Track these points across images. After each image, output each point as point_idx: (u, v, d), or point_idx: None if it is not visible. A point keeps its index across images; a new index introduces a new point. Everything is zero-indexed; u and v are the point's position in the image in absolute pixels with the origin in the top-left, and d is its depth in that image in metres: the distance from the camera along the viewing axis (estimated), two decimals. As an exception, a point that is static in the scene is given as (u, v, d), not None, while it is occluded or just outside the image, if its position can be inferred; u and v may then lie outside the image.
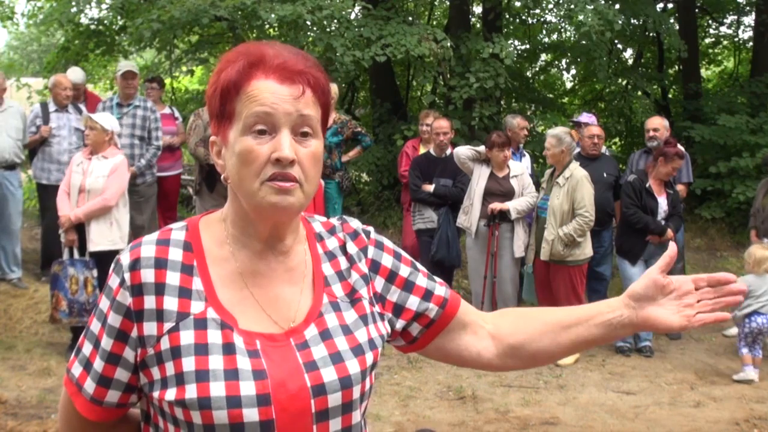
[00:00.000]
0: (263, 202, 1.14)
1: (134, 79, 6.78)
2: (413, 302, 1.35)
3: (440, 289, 1.38)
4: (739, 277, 5.65)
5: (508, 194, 5.96)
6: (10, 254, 6.51)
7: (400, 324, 1.35)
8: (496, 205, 5.87)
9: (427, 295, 1.36)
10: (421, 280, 1.37)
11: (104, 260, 5.33)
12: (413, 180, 6.42)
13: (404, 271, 1.36)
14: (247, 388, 1.11)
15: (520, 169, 6.17)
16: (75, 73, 7.38)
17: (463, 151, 6.10)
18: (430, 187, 6.34)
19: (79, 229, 5.23)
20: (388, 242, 1.38)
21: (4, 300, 6.23)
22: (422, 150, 6.95)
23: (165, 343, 1.13)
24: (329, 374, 1.17)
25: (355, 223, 1.37)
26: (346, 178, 6.99)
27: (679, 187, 6.52)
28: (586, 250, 5.75)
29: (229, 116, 1.17)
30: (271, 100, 1.14)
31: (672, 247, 1.32)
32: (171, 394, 1.12)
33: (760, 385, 5.38)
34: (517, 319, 1.40)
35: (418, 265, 1.40)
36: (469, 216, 6.03)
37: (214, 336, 1.14)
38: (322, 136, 1.20)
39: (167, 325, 1.14)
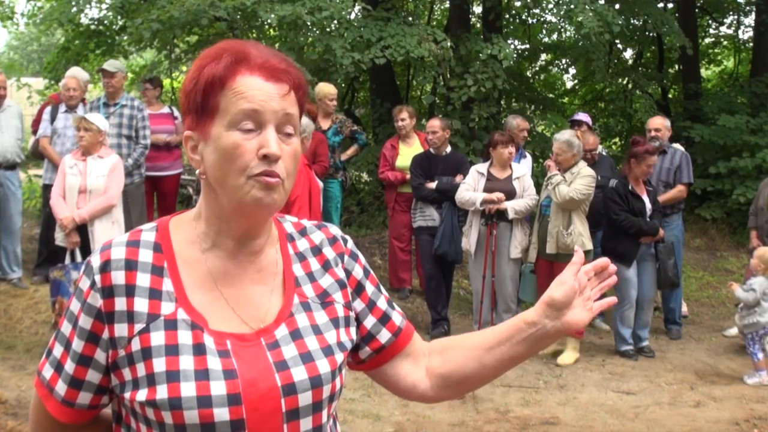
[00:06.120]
0: (247, 197, 1.14)
1: (111, 77, 6.66)
2: (369, 321, 1.35)
3: (397, 317, 1.39)
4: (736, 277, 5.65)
5: (510, 195, 5.95)
6: (10, 254, 6.49)
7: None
8: (493, 205, 5.87)
9: (384, 319, 1.37)
10: (382, 303, 1.38)
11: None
12: (415, 178, 6.42)
13: (369, 288, 1.36)
14: (218, 387, 1.11)
15: (522, 170, 6.17)
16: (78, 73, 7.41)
17: (463, 201, 6.04)
18: (432, 184, 6.34)
19: (79, 230, 5.22)
20: (361, 256, 1.39)
21: (4, 300, 6.23)
22: (401, 147, 6.95)
23: (136, 345, 1.14)
24: (300, 373, 1.17)
25: (334, 230, 1.37)
26: (347, 177, 7.01)
27: (680, 188, 6.53)
28: (587, 246, 5.75)
29: (211, 111, 1.15)
30: (259, 97, 1.14)
31: (579, 255, 1.30)
32: (142, 394, 1.13)
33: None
34: (445, 348, 1.39)
35: (382, 288, 1.40)
36: (469, 238, 6.05)
37: (185, 337, 1.14)
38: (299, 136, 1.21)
39: (138, 327, 1.14)
